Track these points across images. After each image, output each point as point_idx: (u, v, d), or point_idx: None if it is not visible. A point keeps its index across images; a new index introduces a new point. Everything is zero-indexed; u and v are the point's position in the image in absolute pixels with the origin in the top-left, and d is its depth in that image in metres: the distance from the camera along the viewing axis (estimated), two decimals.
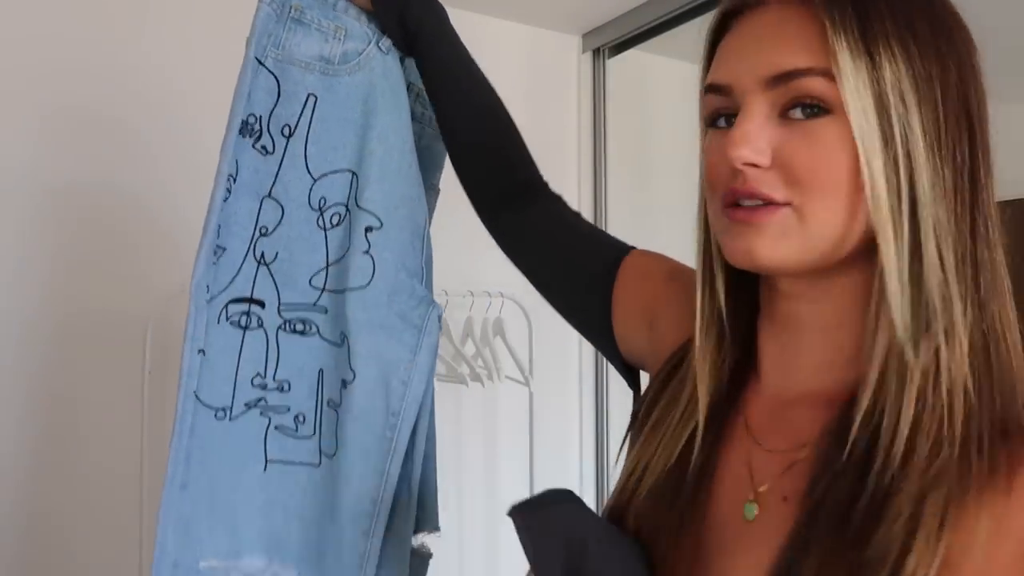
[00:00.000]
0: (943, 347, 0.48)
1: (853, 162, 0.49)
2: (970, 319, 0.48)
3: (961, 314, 0.48)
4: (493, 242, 0.90)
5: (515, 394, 1.86)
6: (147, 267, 1.59)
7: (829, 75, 0.49)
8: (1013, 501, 0.44)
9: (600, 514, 0.61)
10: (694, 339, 0.59)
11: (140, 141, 1.60)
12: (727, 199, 0.53)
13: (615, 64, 2.16)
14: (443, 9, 0.87)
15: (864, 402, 0.49)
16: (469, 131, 0.86)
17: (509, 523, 0.58)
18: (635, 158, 2.18)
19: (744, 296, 0.60)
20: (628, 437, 0.69)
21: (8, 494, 1.46)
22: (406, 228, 0.88)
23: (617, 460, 0.68)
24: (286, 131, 0.82)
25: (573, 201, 0.87)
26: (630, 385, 0.77)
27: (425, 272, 0.92)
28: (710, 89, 0.55)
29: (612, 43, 2.11)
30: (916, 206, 0.48)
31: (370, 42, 0.84)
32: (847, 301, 0.53)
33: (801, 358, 0.56)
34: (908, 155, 0.48)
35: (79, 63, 1.54)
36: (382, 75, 0.85)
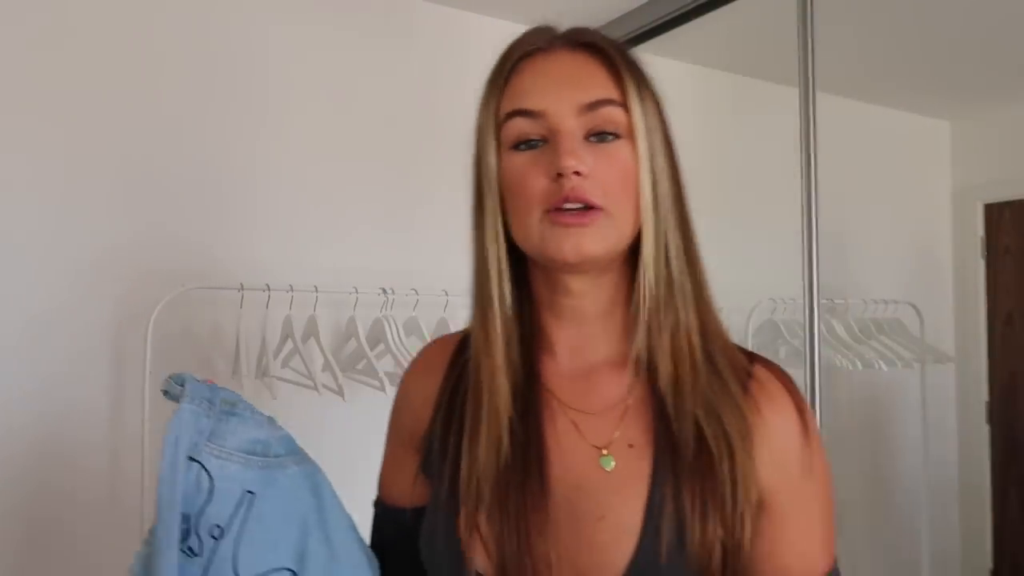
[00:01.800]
0: (681, 310, 0.67)
1: (636, 174, 0.65)
2: (695, 290, 0.68)
3: (691, 287, 0.67)
4: None
5: None
6: (148, 268, 1.59)
7: (624, 106, 0.65)
8: (766, 421, 0.66)
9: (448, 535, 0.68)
10: (485, 338, 0.69)
11: (144, 148, 1.61)
12: (552, 203, 0.64)
13: None
14: None
15: (647, 361, 0.67)
16: None
17: None
18: None
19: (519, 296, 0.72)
20: (426, 464, 0.74)
21: (8, 495, 1.46)
22: None
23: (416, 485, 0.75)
24: (216, 532, 0.74)
25: None
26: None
27: None
28: (521, 114, 0.65)
29: None
30: (661, 208, 0.66)
31: (301, 449, 0.80)
32: (614, 293, 0.70)
33: (588, 339, 0.71)
34: (656, 170, 0.66)
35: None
36: (324, 479, 0.79)
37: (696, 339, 0.67)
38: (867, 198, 2.49)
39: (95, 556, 1.51)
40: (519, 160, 0.65)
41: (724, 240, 2.31)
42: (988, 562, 2.51)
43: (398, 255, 1.83)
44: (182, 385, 0.75)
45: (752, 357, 0.71)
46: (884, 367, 2.09)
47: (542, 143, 0.65)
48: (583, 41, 0.67)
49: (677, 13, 1.90)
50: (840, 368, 2.09)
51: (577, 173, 0.62)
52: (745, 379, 0.68)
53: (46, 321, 1.51)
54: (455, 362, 0.76)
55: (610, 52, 0.66)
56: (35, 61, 1.51)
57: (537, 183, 0.64)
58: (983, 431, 2.52)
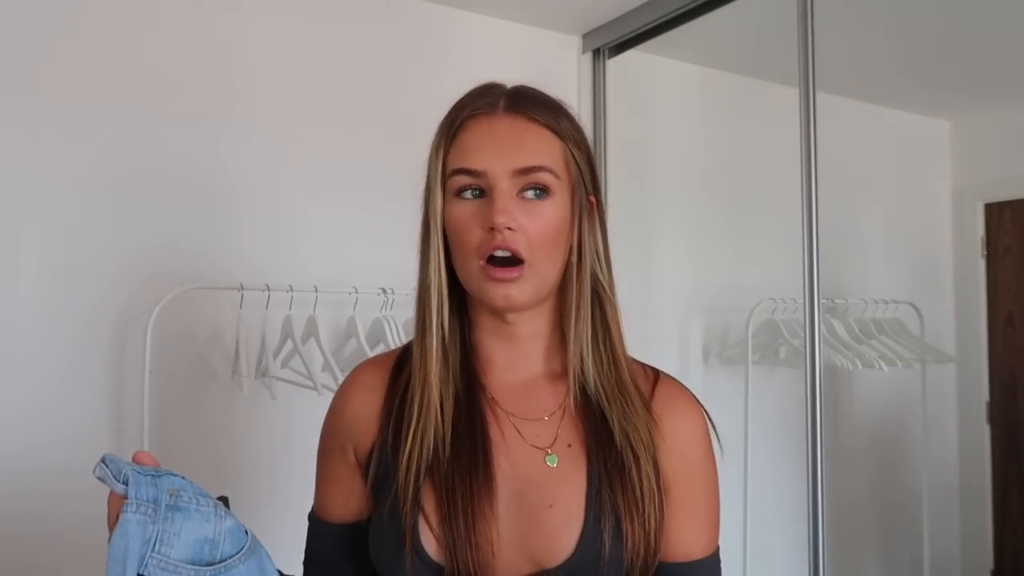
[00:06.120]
0: (605, 338, 0.80)
1: (560, 227, 0.76)
2: (613, 324, 0.81)
3: (615, 319, 0.81)
4: None
5: None
6: (148, 268, 1.59)
7: (553, 172, 0.76)
8: (661, 431, 0.80)
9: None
10: (422, 353, 0.79)
11: (142, 146, 1.61)
12: (483, 252, 0.74)
13: (615, 64, 2.16)
14: None
15: (579, 376, 0.80)
16: None
17: None
18: (635, 158, 2.18)
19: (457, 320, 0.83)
20: (375, 474, 0.79)
21: (7, 495, 1.46)
22: None
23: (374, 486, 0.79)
24: None
25: None
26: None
27: None
28: (464, 172, 0.75)
29: (612, 43, 2.11)
30: (584, 258, 0.79)
31: (247, 532, 0.79)
32: (547, 319, 0.82)
33: (524, 357, 0.83)
34: (580, 224, 0.79)
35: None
36: (268, 559, 0.80)
37: (612, 360, 0.81)
38: (867, 198, 2.49)
39: (93, 556, 1.51)
40: (461, 209, 0.76)
41: (724, 240, 2.32)
42: (989, 562, 2.51)
43: (398, 255, 1.83)
44: (125, 483, 0.71)
45: (656, 371, 0.86)
46: (884, 367, 2.09)
47: (482, 194, 0.75)
48: (523, 109, 0.78)
49: (677, 13, 1.90)
50: (840, 368, 2.09)
51: (509, 228, 0.73)
52: (649, 390, 0.82)
53: (46, 320, 1.50)
54: (395, 380, 0.83)
55: (544, 120, 0.78)
56: (35, 62, 1.51)
57: (475, 233, 0.75)
58: (983, 431, 2.51)
